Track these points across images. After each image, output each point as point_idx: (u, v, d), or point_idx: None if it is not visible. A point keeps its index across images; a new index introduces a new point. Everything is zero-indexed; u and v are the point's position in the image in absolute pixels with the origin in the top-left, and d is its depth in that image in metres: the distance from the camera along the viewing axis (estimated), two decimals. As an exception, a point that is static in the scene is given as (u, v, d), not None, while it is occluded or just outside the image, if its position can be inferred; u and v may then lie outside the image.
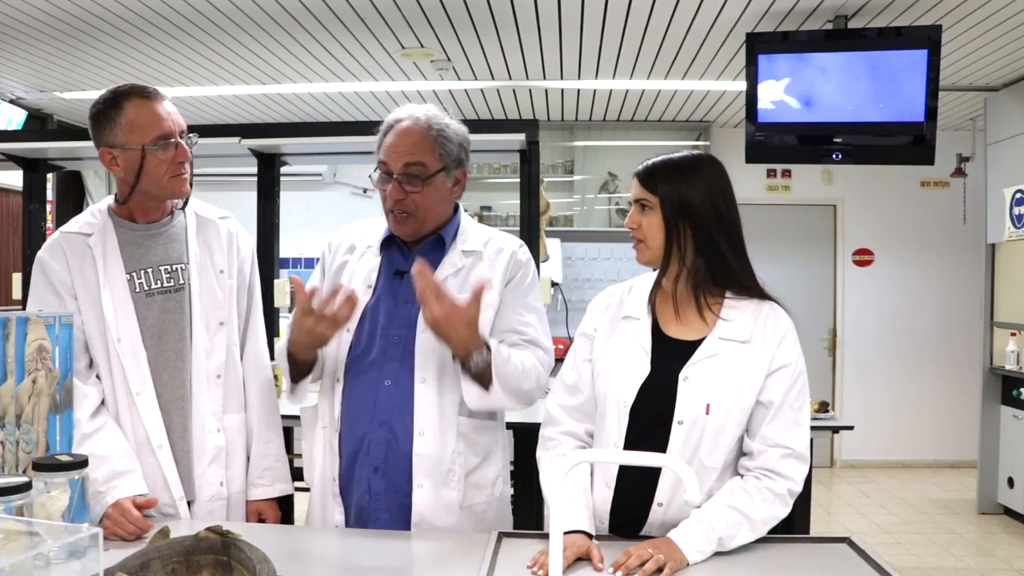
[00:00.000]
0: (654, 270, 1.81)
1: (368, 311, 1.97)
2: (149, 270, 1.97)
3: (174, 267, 2.00)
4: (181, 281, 1.99)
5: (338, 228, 2.15)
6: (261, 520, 2.05)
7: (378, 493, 1.91)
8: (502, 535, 1.77)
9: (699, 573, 1.59)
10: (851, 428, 3.79)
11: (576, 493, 1.72)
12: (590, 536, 1.65)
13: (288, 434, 3.95)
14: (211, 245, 2.05)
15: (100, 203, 2.05)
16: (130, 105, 1.90)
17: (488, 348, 1.84)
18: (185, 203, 2.05)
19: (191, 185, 2.01)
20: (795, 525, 3.70)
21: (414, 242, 2.00)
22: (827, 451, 7.33)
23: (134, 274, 1.96)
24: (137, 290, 1.96)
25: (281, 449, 2.13)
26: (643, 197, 1.75)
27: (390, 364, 1.92)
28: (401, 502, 1.90)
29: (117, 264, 1.95)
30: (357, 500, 1.94)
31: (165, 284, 1.98)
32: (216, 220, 2.09)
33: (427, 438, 1.89)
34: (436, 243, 1.99)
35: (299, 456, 4.13)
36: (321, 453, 1.99)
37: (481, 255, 2.00)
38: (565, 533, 1.60)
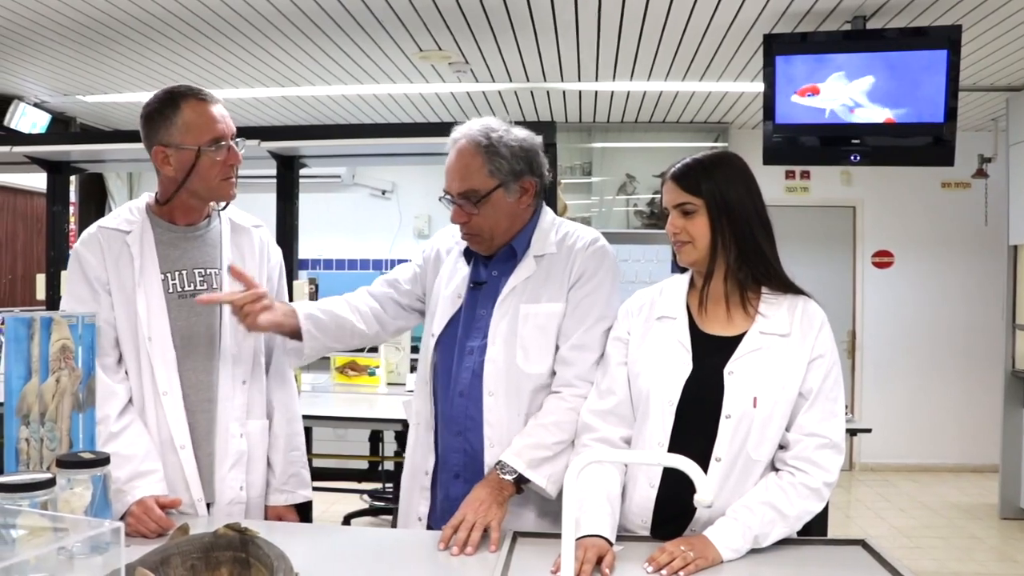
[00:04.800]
0: (691, 270, 1.83)
1: (452, 321, 2.00)
2: (183, 272, 2.00)
3: (208, 271, 2.02)
4: (214, 285, 2.02)
5: (434, 234, 2.20)
6: None
7: (457, 498, 1.90)
8: (517, 535, 1.78)
9: (708, 574, 1.59)
10: (869, 431, 3.78)
11: (599, 499, 1.71)
12: (610, 543, 1.64)
13: (306, 433, 3.99)
14: (244, 252, 2.08)
15: (138, 200, 2.06)
16: (187, 106, 1.92)
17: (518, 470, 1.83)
18: (224, 206, 2.09)
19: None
20: (812, 528, 3.67)
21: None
22: (846, 454, 7.26)
23: (168, 275, 1.98)
24: (170, 291, 1.98)
25: (305, 456, 2.18)
26: (686, 200, 1.74)
27: (464, 375, 1.95)
28: None
29: (153, 264, 1.97)
30: (439, 503, 1.98)
31: (198, 287, 2.00)
32: (250, 228, 2.13)
33: (497, 450, 1.89)
34: (509, 253, 1.98)
35: (317, 456, 4.16)
36: (413, 447, 2.04)
37: (554, 257, 1.97)
38: (586, 536, 1.62)
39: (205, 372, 1.99)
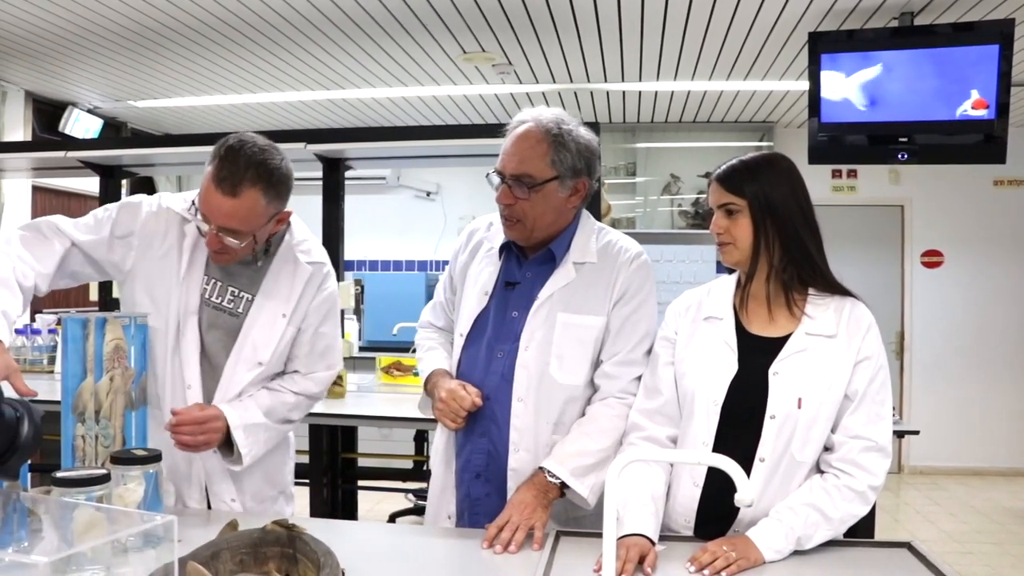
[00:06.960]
0: (738, 271, 1.82)
1: (479, 320, 1.96)
2: (220, 284, 2.01)
3: (240, 293, 2.02)
4: (239, 310, 2.01)
5: (477, 217, 2.14)
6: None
7: (478, 498, 1.93)
8: (560, 533, 1.78)
9: (751, 575, 1.58)
10: (917, 433, 3.71)
11: (643, 498, 1.71)
12: (653, 542, 1.64)
13: (352, 433, 4.03)
14: (283, 288, 2.03)
15: None
16: (208, 170, 1.86)
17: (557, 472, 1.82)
18: (277, 243, 2.05)
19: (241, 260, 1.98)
20: (859, 531, 3.61)
21: (529, 252, 1.96)
22: (894, 456, 7.17)
23: (206, 278, 2.00)
24: (203, 293, 2.01)
25: (267, 444, 2.05)
26: (729, 201, 1.74)
27: (492, 377, 1.92)
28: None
29: (201, 261, 1.99)
30: (459, 502, 1.98)
31: (224, 304, 2.01)
32: (304, 264, 2.06)
33: (522, 455, 1.89)
34: (547, 256, 1.94)
35: (363, 455, 4.20)
36: (443, 447, 2.03)
37: (596, 268, 1.93)
38: (628, 535, 1.62)
39: (215, 379, 2.00)
